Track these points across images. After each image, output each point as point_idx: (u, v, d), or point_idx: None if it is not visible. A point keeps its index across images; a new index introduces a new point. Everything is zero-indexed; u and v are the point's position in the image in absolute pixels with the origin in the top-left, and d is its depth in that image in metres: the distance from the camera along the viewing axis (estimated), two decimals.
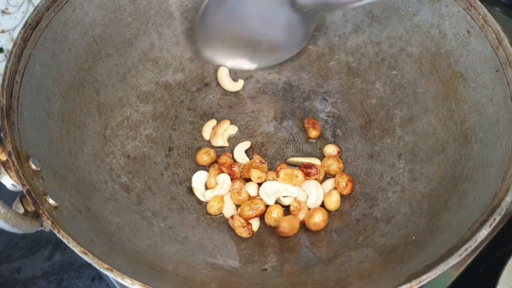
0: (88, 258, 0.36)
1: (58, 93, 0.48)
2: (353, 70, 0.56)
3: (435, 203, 0.45)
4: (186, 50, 0.57)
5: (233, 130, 0.53)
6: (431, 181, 0.47)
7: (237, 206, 0.49)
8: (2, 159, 0.39)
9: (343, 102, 0.55)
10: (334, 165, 0.50)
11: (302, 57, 0.57)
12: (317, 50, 0.57)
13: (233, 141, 0.53)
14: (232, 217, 0.47)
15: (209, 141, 0.53)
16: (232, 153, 0.51)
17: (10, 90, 0.42)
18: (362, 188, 0.50)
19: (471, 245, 0.36)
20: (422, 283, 0.35)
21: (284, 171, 0.48)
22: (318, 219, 0.47)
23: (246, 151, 0.52)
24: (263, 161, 0.50)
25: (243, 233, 0.46)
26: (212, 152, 0.51)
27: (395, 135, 0.52)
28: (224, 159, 0.50)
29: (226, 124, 0.53)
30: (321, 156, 0.52)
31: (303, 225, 0.48)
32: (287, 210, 0.49)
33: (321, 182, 0.50)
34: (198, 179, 0.50)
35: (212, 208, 0.48)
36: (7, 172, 0.39)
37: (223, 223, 0.48)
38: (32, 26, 0.46)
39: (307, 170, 0.49)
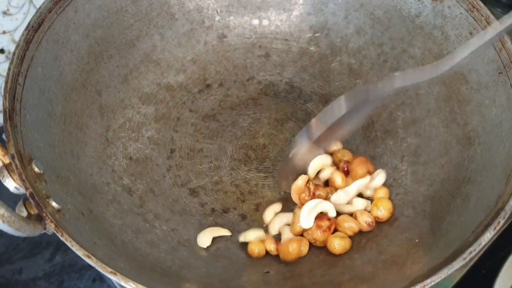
0: (91, 262, 0.36)
1: (60, 95, 0.48)
2: (355, 71, 0.56)
3: (438, 206, 0.45)
4: (187, 52, 0.57)
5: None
6: (434, 183, 0.47)
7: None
8: (5, 162, 0.39)
9: None
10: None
11: (304, 59, 0.57)
12: (319, 52, 0.57)
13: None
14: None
15: (266, 225, 0.49)
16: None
17: (13, 92, 0.42)
18: None
19: (476, 248, 0.36)
20: (426, 287, 0.35)
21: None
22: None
23: (245, 152, 0.52)
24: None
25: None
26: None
27: (398, 137, 0.52)
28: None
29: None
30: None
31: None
32: None
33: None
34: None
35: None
36: (10, 175, 0.39)
37: (227, 225, 0.48)
38: (34, 28, 0.46)
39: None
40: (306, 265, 0.45)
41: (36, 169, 0.40)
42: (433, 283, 0.36)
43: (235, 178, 0.51)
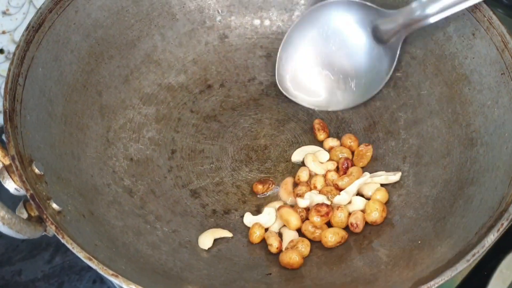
0: (93, 264, 0.36)
1: (60, 96, 0.47)
2: None
3: (441, 207, 0.45)
4: (188, 52, 0.56)
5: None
6: (436, 184, 0.47)
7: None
8: (5, 163, 0.39)
9: None
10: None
11: None
12: None
13: None
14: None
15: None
16: None
17: (13, 93, 0.42)
18: None
19: (479, 250, 0.36)
20: None
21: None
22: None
23: (246, 153, 0.52)
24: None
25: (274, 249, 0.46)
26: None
27: (400, 138, 0.52)
28: None
29: None
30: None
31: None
32: None
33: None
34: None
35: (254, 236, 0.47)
36: (10, 176, 0.39)
37: (228, 226, 0.48)
38: (35, 28, 0.45)
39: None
40: (308, 267, 0.45)
41: (37, 170, 0.40)
42: (436, 285, 0.35)
43: (236, 179, 0.51)
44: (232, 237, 0.47)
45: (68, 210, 0.41)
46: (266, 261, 0.46)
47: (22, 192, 0.39)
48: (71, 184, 0.44)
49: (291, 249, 0.45)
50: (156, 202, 0.48)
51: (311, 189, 0.49)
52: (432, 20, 0.48)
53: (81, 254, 0.36)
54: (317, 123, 0.53)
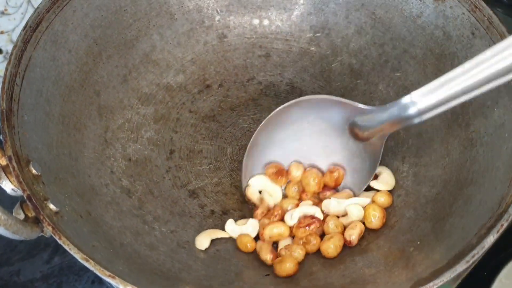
0: (90, 265, 0.36)
1: (58, 96, 0.47)
2: (356, 71, 0.55)
3: (440, 207, 0.45)
4: (187, 52, 0.56)
5: None
6: (436, 184, 0.47)
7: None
8: (2, 163, 0.39)
9: None
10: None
11: (305, 59, 0.57)
12: (319, 52, 0.57)
13: None
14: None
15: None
16: None
17: (10, 93, 0.42)
18: None
19: (479, 251, 0.36)
20: None
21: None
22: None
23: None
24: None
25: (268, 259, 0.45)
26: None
27: (399, 138, 0.51)
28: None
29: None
30: None
31: None
32: None
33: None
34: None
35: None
36: (7, 177, 0.39)
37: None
38: (32, 28, 0.45)
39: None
40: (306, 268, 0.44)
41: (34, 171, 0.40)
42: (435, 287, 0.35)
43: (235, 179, 0.51)
44: (229, 238, 0.47)
45: (66, 210, 0.40)
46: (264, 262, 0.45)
47: (19, 192, 0.39)
48: (69, 185, 0.44)
49: (286, 258, 0.44)
50: (154, 202, 0.48)
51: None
52: (423, 118, 0.41)
53: (78, 255, 0.36)
54: (272, 168, 0.49)
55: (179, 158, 0.52)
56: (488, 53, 0.38)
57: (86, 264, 0.36)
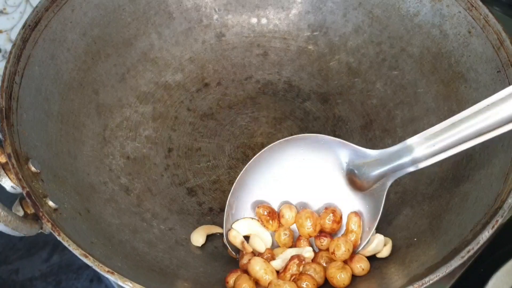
0: (88, 261, 0.36)
1: (57, 94, 0.47)
2: (354, 70, 0.56)
3: (437, 204, 0.45)
4: (185, 50, 0.56)
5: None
6: (433, 182, 0.47)
7: None
8: (2, 161, 0.39)
9: (344, 102, 0.55)
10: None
11: (302, 57, 0.57)
12: (317, 50, 0.57)
13: None
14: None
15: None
16: None
17: (9, 91, 0.42)
18: None
19: (474, 247, 0.36)
20: (424, 286, 0.35)
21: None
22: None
23: (243, 151, 0.52)
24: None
25: None
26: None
27: (396, 136, 0.52)
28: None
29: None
30: None
31: None
32: None
33: None
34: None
35: None
36: (7, 174, 0.39)
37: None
38: (31, 27, 0.45)
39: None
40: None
41: (33, 168, 0.40)
42: (431, 282, 0.35)
43: (233, 177, 0.51)
44: None
45: (64, 207, 0.41)
46: None
47: (19, 190, 0.39)
48: (68, 182, 0.44)
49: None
50: (153, 200, 0.48)
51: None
52: (429, 162, 0.39)
53: (77, 251, 0.36)
54: (263, 209, 0.44)
55: (178, 156, 0.52)
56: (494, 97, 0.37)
57: (85, 260, 0.36)
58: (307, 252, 0.42)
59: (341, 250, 0.41)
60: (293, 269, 0.41)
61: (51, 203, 0.39)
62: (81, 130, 0.49)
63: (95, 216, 0.44)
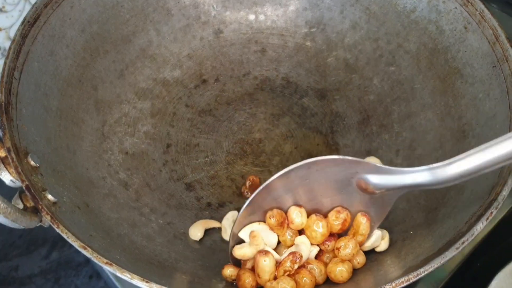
0: (87, 253, 0.36)
1: (56, 90, 0.48)
2: (351, 66, 0.56)
3: (433, 198, 0.45)
4: (183, 47, 0.57)
5: None
6: None
7: None
8: (1, 155, 0.39)
9: (341, 98, 0.55)
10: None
11: (300, 54, 0.57)
12: (314, 47, 0.57)
13: None
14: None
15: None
16: None
17: (9, 86, 0.42)
18: None
19: (468, 238, 0.36)
20: (419, 276, 0.36)
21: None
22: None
23: (241, 147, 0.52)
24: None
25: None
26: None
27: (393, 131, 0.52)
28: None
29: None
30: (319, 151, 0.52)
31: None
32: None
33: None
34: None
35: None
36: (6, 168, 0.39)
37: (222, 219, 0.48)
38: (30, 23, 0.46)
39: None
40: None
41: (32, 163, 0.40)
42: (426, 272, 0.36)
43: (231, 172, 0.51)
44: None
45: (64, 201, 0.41)
46: None
47: (18, 183, 0.39)
48: (67, 177, 0.44)
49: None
50: (151, 195, 0.49)
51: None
52: (444, 185, 0.38)
53: (76, 243, 0.36)
54: (274, 217, 0.42)
55: (176, 151, 0.52)
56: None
57: (84, 252, 0.36)
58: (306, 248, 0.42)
59: (347, 250, 0.41)
60: (286, 265, 0.41)
61: (50, 197, 0.39)
62: (80, 125, 0.49)
63: (94, 210, 0.44)
